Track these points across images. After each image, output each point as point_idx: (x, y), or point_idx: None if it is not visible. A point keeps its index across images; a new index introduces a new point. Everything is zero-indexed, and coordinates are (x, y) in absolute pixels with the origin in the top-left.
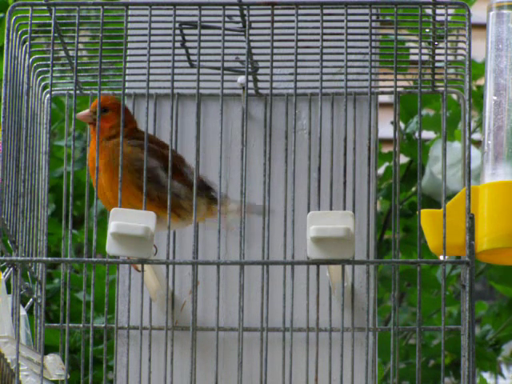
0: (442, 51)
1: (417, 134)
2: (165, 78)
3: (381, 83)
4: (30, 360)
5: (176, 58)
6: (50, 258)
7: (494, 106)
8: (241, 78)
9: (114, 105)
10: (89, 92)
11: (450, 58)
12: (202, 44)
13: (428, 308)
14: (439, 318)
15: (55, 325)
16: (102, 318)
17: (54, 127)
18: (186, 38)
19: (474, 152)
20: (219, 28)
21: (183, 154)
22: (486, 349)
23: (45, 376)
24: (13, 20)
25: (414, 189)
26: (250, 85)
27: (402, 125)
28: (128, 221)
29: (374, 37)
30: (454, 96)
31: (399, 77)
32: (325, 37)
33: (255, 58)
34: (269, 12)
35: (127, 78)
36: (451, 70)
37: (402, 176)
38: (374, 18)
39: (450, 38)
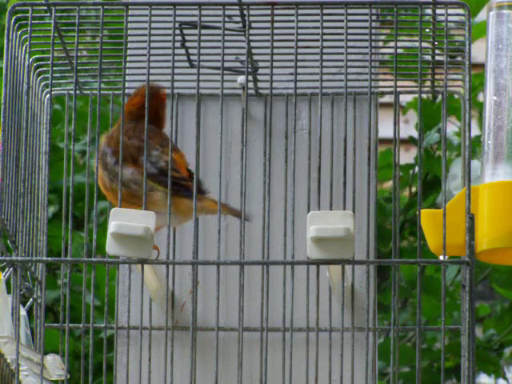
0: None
1: (434, 147)
2: (165, 78)
3: (381, 83)
4: (30, 360)
5: (176, 57)
6: (49, 258)
7: (494, 106)
8: (241, 78)
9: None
10: (89, 92)
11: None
12: (202, 44)
13: (433, 312)
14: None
15: (55, 325)
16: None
17: (57, 128)
18: (186, 38)
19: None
20: (219, 28)
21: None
22: (490, 353)
23: (45, 376)
24: (13, 20)
25: (430, 197)
26: (250, 85)
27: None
28: (128, 221)
29: (374, 37)
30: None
31: (402, 77)
32: (325, 37)
33: (255, 57)
34: (269, 12)
35: (127, 78)
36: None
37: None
38: (374, 17)
39: (450, 38)
